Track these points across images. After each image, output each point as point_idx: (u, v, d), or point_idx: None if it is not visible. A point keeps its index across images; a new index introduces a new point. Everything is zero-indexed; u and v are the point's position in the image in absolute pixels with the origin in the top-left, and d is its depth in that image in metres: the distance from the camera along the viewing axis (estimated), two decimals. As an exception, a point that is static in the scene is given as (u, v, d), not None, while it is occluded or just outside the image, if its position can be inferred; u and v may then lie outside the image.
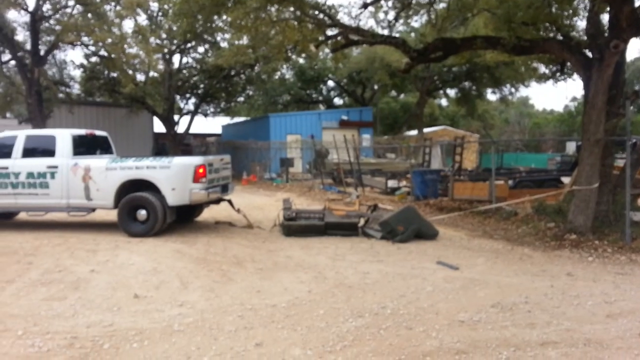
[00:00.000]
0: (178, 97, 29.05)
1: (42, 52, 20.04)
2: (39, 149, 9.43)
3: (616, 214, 8.87)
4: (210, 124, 37.24)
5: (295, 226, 9.13)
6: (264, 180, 23.58)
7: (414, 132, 33.79)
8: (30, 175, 9.21)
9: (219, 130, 38.41)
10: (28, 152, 9.37)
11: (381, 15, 24.97)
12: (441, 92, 36.70)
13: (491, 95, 36.15)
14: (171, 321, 4.69)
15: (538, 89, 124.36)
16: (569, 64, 11.06)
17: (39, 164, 9.23)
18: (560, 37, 9.71)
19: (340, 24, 10.92)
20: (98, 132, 10.71)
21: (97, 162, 9.17)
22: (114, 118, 26.51)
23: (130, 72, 21.02)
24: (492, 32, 11.27)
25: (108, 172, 8.99)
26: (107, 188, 8.98)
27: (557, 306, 5.17)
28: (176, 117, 28.73)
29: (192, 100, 30.80)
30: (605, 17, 8.99)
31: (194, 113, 29.90)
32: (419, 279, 6.17)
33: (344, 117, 28.94)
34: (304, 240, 8.75)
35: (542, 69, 14.07)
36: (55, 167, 9.17)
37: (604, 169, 8.78)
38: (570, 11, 9.47)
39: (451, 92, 36.70)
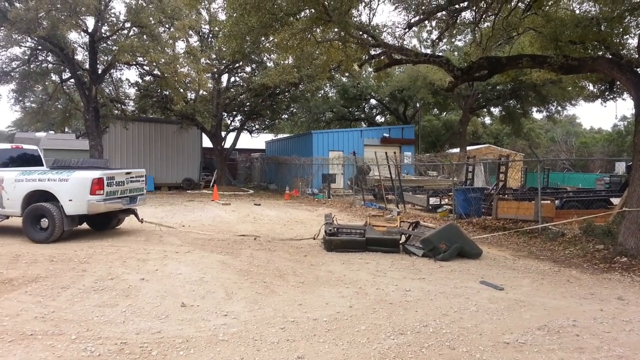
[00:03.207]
0: (225, 114, 29.94)
1: (99, 71, 21.15)
2: None
3: (671, 237, 8.49)
4: (255, 140, 38.04)
5: (337, 241, 9.24)
6: (306, 195, 23.83)
7: (456, 150, 33.37)
8: None
9: (263, 146, 39.15)
10: None
11: (424, 35, 25.10)
12: (485, 110, 36.17)
13: (537, 114, 35.38)
14: (216, 331, 4.83)
15: (586, 107, 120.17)
16: (618, 82, 10.74)
17: None
18: (609, 56, 9.49)
19: (383, 44, 11.04)
20: (26, 146, 11.68)
21: (8, 174, 10.02)
22: (165, 134, 27.53)
23: (182, 90, 21.83)
24: (538, 50, 11.13)
25: (17, 184, 9.84)
26: (16, 198, 9.83)
27: (608, 331, 5.00)
28: (223, 134, 29.57)
29: (239, 117, 31.69)
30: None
31: (240, 129, 30.74)
32: (462, 298, 6.10)
33: (386, 135, 28.97)
34: (344, 255, 8.81)
35: (591, 87, 13.70)
36: None
37: (657, 191, 8.45)
38: (621, 29, 9.25)
39: (495, 110, 36.13)
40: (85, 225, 10.91)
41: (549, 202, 12.40)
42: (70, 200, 9.49)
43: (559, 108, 31.95)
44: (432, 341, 4.65)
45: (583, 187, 23.23)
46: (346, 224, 10.12)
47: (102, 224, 11.17)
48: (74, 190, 9.51)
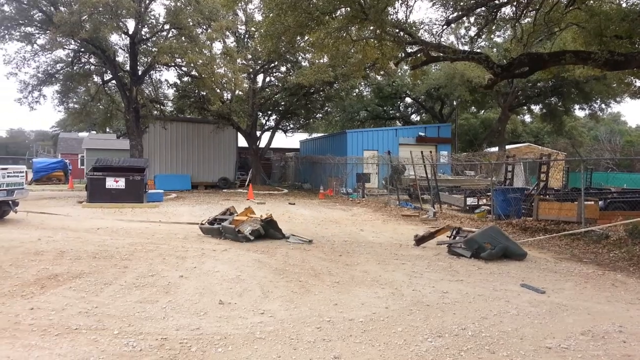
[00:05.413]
0: (260, 113, 30.25)
1: (139, 72, 21.72)
2: None
3: None
4: (290, 140, 38.28)
5: (202, 228, 10.78)
6: (340, 194, 23.81)
7: (494, 149, 32.66)
8: None
9: (297, 146, 39.34)
10: None
11: (462, 31, 24.66)
12: (525, 107, 35.27)
13: (579, 111, 34.30)
14: (253, 328, 4.87)
15: (632, 104, 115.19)
16: (669, 78, 10.28)
17: None
18: (659, 50, 9.09)
19: (420, 41, 10.91)
20: None
21: None
22: (202, 133, 28.04)
23: (218, 90, 22.17)
24: (581, 46, 10.79)
25: None
26: None
27: (657, 338, 4.79)
28: (258, 133, 29.88)
29: (273, 116, 31.97)
30: None
31: (274, 129, 30.99)
32: (502, 301, 5.96)
33: (421, 134, 28.64)
34: (380, 255, 8.79)
35: (638, 83, 13.16)
36: None
37: None
38: (672, 22, 8.84)
39: (536, 108, 35.20)
40: (120, 224, 11.23)
41: (592, 202, 11.98)
42: None
43: (603, 105, 30.90)
44: (470, 344, 4.56)
45: (628, 188, 22.31)
46: (221, 216, 11.01)
47: None
48: None
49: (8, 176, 11.89)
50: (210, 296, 5.93)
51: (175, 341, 4.49)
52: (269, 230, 10.25)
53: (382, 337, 4.71)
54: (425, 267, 7.94)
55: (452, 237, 9.56)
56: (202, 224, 11.06)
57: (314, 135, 39.95)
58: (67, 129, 52.76)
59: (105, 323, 4.91)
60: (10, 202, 12.18)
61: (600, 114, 33.48)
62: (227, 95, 25.94)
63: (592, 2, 10.19)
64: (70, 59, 22.30)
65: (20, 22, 19.16)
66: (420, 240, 9.97)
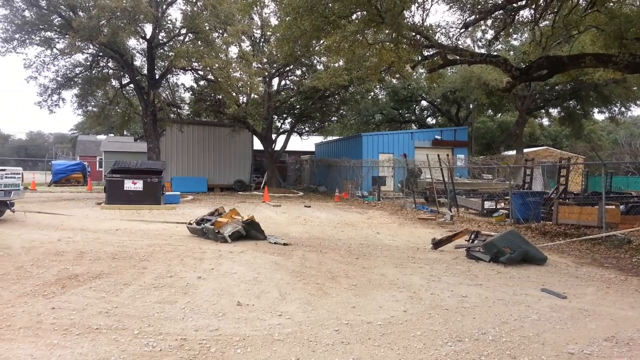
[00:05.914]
0: (276, 117, 30.36)
1: (157, 76, 21.95)
2: None
3: None
4: (305, 143, 38.35)
5: (189, 228, 10.99)
6: (355, 197, 23.77)
7: (512, 153, 32.35)
8: None
9: (312, 149, 39.39)
10: None
11: (479, 34, 24.48)
12: (543, 111, 34.88)
13: (598, 115, 33.84)
14: (271, 330, 4.87)
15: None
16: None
17: None
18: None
19: (437, 44, 10.85)
20: None
21: None
22: (218, 136, 28.23)
23: (234, 94, 22.32)
24: (600, 49, 10.65)
25: None
26: None
27: (683, 345, 4.68)
28: (273, 136, 29.99)
29: (289, 119, 32.06)
30: None
31: (290, 132, 31.09)
32: (522, 306, 5.88)
33: (437, 137, 28.48)
34: (397, 259, 8.74)
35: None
36: None
37: None
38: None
39: (554, 111, 34.80)
40: (139, 225, 11.33)
41: (613, 207, 11.79)
42: None
43: (623, 109, 30.47)
44: (491, 349, 4.50)
45: (650, 192, 21.93)
46: (207, 217, 11.16)
47: None
48: None
49: (6, 177, 12.26)
50: (228, 297, 5.95)
51: (194, 342, 4.51)
52: (250, 232, 10.37)
53: (401, 341, 4.68)
54: (443, 270, 7.88)
55: (471, 240, 9.47)
56: (189, 223, 11.23)
57: (330, 138, 39.96)
58: (85, 132, 53.50)
59: (125, 323, 4.95)
60: (7, 202, 12.44)
61: (620, 117, 33.03)
62: (242, 99, 26.10)
63: (612, 4, 10.05)
64: (88, 63, 22.62)
65: (41, 27, 19.49)
66: (437, 244, 9.90)
